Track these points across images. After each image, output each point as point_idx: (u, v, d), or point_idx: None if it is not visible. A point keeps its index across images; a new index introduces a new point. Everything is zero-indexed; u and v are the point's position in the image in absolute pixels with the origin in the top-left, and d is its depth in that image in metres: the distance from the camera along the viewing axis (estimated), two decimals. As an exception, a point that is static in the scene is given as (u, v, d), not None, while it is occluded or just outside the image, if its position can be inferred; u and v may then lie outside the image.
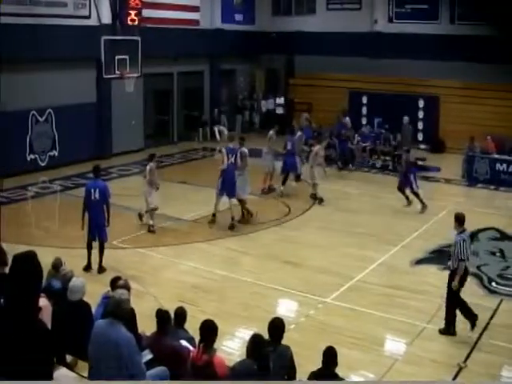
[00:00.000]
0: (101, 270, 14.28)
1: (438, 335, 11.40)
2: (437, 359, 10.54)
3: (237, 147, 17.91)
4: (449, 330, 11.52)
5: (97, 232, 14.31)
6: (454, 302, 11.48)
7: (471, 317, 11.48)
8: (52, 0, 23.33)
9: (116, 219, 18.33)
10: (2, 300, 6.46)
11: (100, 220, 14.24)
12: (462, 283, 11.43)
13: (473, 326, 11.45)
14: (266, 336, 7.66)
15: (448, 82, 28.54)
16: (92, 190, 14.14)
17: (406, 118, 25.28)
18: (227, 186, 17.64)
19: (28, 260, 4.40)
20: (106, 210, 14.28)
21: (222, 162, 17.61)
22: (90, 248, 14.43)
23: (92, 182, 14.52)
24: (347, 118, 26.55)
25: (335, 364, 7.62)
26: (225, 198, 17.67)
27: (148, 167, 17.52)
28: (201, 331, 7.43)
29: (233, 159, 17.57)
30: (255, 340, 7.24)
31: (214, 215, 17.83)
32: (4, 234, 14.95)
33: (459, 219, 11.57)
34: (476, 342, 11.11)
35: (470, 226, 17.39)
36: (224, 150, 17.89)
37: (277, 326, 7.85)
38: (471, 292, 13.43)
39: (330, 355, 7.63)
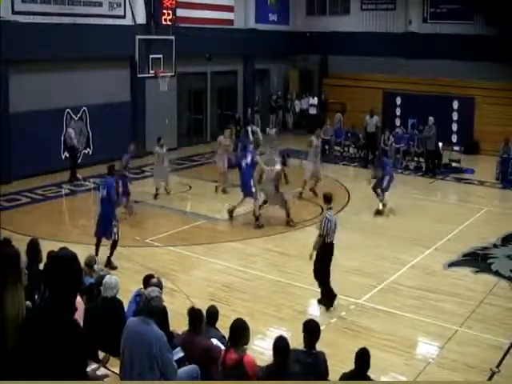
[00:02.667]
0: (109, 264, 14.08)
1: (470, 339, 11.29)
2: (469, 363, 10.42)
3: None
4: (329, 302, 12.40)
5: (102, 229, 14.21)
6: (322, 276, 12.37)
7: (329, 299, 12.36)
8: (88, 0, 23.57)
9: (150, 218, 18.59)
10: (36, 296, 6.53)
11: (107, 217, 14.18)
12: (328, 261, 12.26)
13: (327, 307, 12.41)
14: (299, 337, 7.66)
15: (483, 83, 28.24)
16: (101, 187, 14.33)
17: (431, 119, 24.93)
18: (243, 187, 18.15)
19: (66, 259, 4.41)
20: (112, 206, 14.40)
21: None
22: (98, 244, 14.30)
23: (102, 179, 14.68)
24: (375, 118, 26.44)
25: (368, 366, 7.58)
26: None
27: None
28: (231, 330, 7.44)
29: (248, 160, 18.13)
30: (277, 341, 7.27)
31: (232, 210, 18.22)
32: (40, 231, 15.22)
33: (326, 198, 12.53)
34: (510, 347, 10.97)
35: (504, 228, 17.40)
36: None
37: (312, 330, 7.82)
38: (504, 294, 13.35)
39: (363, 357, 7.59)
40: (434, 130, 24.66)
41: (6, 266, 4.47)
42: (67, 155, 22.89)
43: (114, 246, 14.28)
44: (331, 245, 12.28)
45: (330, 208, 12.51)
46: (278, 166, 17.93)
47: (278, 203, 17.74)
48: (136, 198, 20.00)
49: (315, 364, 7.61)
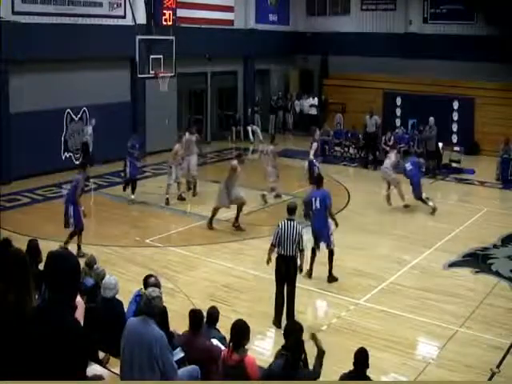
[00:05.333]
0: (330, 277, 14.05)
1: (470, 339, 11.28)
2: (469, 363, 10.41)
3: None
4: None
5: (322, 239, 13.99)
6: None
7: (276, 313, 11.77)
8: (88, 0, 23.58)
9: (150, 218, 18.58)
10: (37, 297, 6.53)
11: (323, 228, 13.94)
12: (277, 272, 11.82)
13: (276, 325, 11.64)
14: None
15: (484, 84, 28.22)
16: (313, 199, 14.04)
17: (431, 119, 24.89)
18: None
19: (66, 258, 4.41)
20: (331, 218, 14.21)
21: None
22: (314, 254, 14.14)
23: (316, 191, 14.37)
24: (374, 118, 26.45)
25: (367, 366, 7.58)
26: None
27: None
28: (232, 331, 7.45)
29: None
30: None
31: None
32: (40, 231, 15.22)
33: (288, 208, 12.16)
34: (510, 347, 10.96)
35: (505, 228, 17.40)
36: None
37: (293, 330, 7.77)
38: (504, 295, 13.34)
39: (361, 357, 7.60)
40: (435, 130, 24.67)
41: (13, 267, 4.46)
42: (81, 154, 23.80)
43: (331, 256, 13.90)
44: (281, 257, 11.79)
45: (290, 219, 11.93)
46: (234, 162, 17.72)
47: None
48: (136, 198, 20.05)
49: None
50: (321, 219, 13.93)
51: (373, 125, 26.34)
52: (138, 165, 20.23)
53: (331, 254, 13.83)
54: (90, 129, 23.29)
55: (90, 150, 23.69)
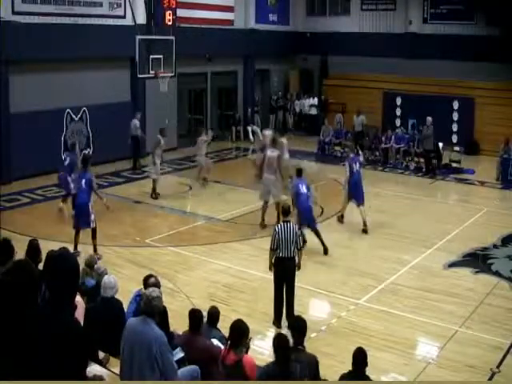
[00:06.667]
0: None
1: (470, 339, 11.27)
2: (470, 363, 10.40)
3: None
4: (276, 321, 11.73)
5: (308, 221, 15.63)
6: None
7: (275, 314, 11.71)
8: (88, 0, 23.58)
9: (150, 218, 18.58)
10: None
11: (309, 210, 15.69)
12: (276, 274, 11.71)
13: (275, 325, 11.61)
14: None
15: (483, 84, 28.22)
16: (300, 185, 15.61)
17: (429, 119, 24.88)
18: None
19: (65, 258, 4.41)
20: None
21: None
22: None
23: (299, 180, 15.86)
24: (361, 117, 26.50)
25: (365, 365, 7.57)
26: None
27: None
28: (230, 331, 7.47)
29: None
30: (279, 341, 7.26)
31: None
32: (40, 231, 15.22)
33: (283, 210, 12.30)
34: (510, 347, 10.95)
35: (504, 229, 17.40)
36: None
37: (300, 326, 7.82)
38: (504, 295, 13.34)
39: (360, 356, 7.58)
40: (431, 129, 24.66)
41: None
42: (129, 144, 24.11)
43: (318, 234, 15.77)
44: (282, 259, 11.66)
45: (286, 221, 11.85)
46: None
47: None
48: (136, 198, 20.06)
49: (309, 361, 7.61)
50: (306, 201, 15.48)
51: (359, 124, 26.46)
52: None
53: (317, 232, 15.42)
54: (137, 122, 23.87)
55: (139, 143, 24.40)
